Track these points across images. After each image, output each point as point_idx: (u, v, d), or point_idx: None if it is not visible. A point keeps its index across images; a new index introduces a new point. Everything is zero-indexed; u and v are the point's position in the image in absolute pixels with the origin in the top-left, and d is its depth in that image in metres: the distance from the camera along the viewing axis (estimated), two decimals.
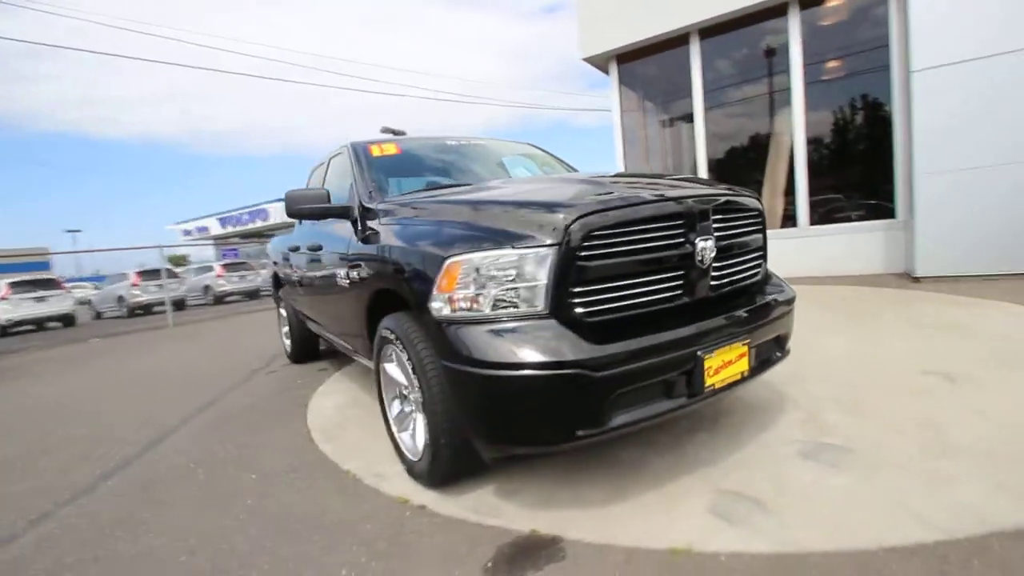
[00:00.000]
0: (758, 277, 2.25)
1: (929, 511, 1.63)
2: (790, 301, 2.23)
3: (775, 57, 6.93)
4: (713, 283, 1.95)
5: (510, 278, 1.65)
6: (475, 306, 1.70)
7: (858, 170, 6.76)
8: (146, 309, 16.00)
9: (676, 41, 7.39)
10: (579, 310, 1.67)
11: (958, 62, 4.97)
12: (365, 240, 2.39)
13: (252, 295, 18.91)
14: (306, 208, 2.67)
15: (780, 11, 6.66)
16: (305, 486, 2.28)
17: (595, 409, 1.61)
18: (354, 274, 2.45)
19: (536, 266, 1.63)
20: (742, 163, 7.51)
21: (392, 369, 2.28)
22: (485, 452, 1.85)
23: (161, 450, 2.93)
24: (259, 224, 31.76)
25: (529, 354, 1.58)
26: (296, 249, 3.85)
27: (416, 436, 2.12)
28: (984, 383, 2.60)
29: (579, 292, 1.67)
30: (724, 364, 1.85)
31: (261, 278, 19.46)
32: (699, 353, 1.76)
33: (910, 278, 5.63)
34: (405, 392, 2.23)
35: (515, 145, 3.74)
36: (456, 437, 1.87)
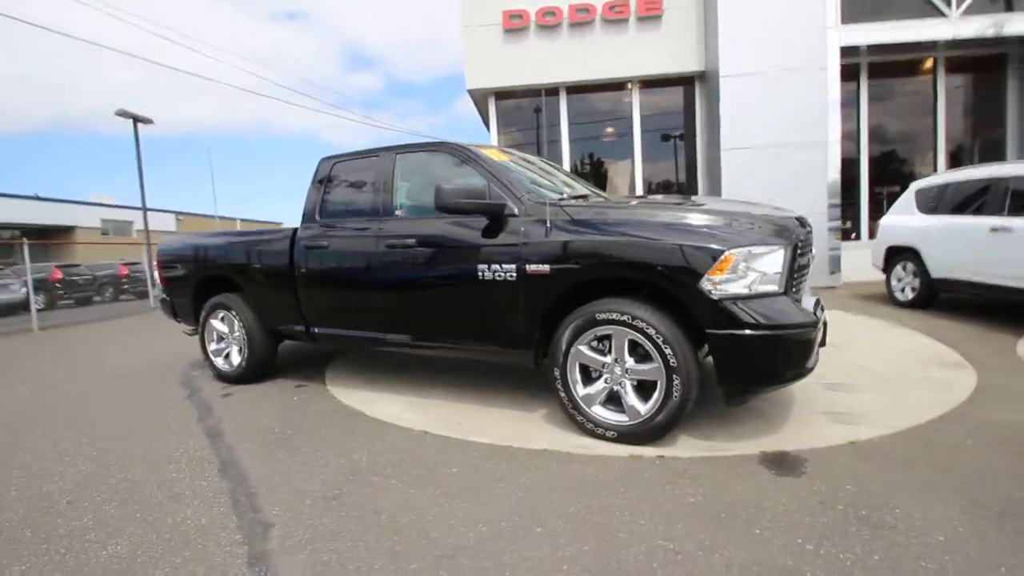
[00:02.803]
0: None
1: (923, 403, 2.92)
2: None
3: (622, 115, 8.87)
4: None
5: (767, 266, 2.33)
6: (734, 287, 2.30)
7: None
8: None
9: (548, 91, 8.72)
10: (792, 291, 2.45)
11: (751, 147, 7.51)
12: (571, 232, 2.62)
13: None
14: (462, 203, 2.72)
15: (626, 85, 8.64)
16: (535, 468, 2.39)
17: (811, 354, 2.41)
18: (538, 268, 2.65)
19: (782, 259, 2.35)
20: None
21: (586, 351, 2.61)
22: (732, 399, 2.44)
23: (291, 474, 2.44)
24: None
25: (795, 316, 2.31)
26: (323, 246, 3.48)
27: (632, 403, 2.52)
28: (848, 345, 4.30)
29: (792, 278, 2.45)
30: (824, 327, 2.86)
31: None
32: (823, 320, 2.74)
33: None
34: (603, 369, 2.59)
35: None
36: (699, 391, 2.41)
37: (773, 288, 2.36)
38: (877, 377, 3.45)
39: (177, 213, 39.11)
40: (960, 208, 5.17)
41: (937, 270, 5.28)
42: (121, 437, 3.14)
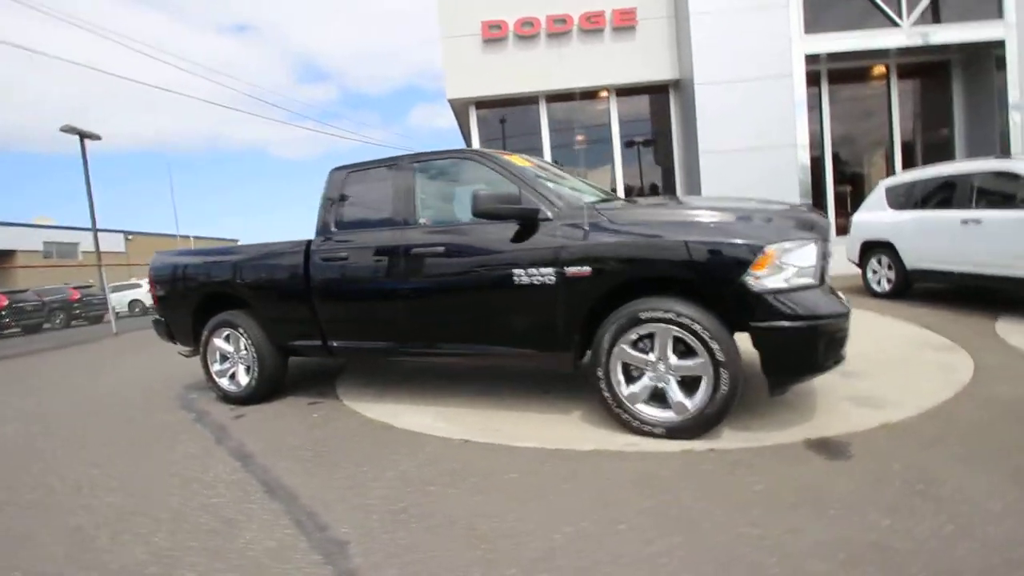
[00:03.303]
0: None
1: (933, 385, 3.12)
2: None
3: (601, 122, 9.08)
4: None
5: (802, 259, 2.44)
6: (774, 282, 2.41)
7: None
8: None
9: (528, 100, 8.84)
10: (824, 281, 2.58)
11: (727, 150, 7.83)
12: (611, 234, 2.68)
13: None
14: (499, 208, 2.74)
15: (603, 93, 8.86)
16: (593, 468, 2.41)
17: (846, 342, 2.54)
18: (579, 270, 2.69)
19: (817, 252, 2.48)
20: None
21: (629, 350, 2.66)
22: (775, 388, 2.53)
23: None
24: None
25: (833, 307, 2.43)
26: (342, 258, 3.42)
27: (679, 399, 2.58)
28: None
29: (824, 271, 2.58)
30: None
31: None
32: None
33: None
34: (646, 367, 2.65)
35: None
36: (744, 383, 2.49)
37: (809, 281, 2.48)
38: (881, 363, 3.65)
39: (126, 233, 37.25)
40: (928, 203, 5.55)
41: (912, 261, 5.64)
42: (138, 465, 2.97)
